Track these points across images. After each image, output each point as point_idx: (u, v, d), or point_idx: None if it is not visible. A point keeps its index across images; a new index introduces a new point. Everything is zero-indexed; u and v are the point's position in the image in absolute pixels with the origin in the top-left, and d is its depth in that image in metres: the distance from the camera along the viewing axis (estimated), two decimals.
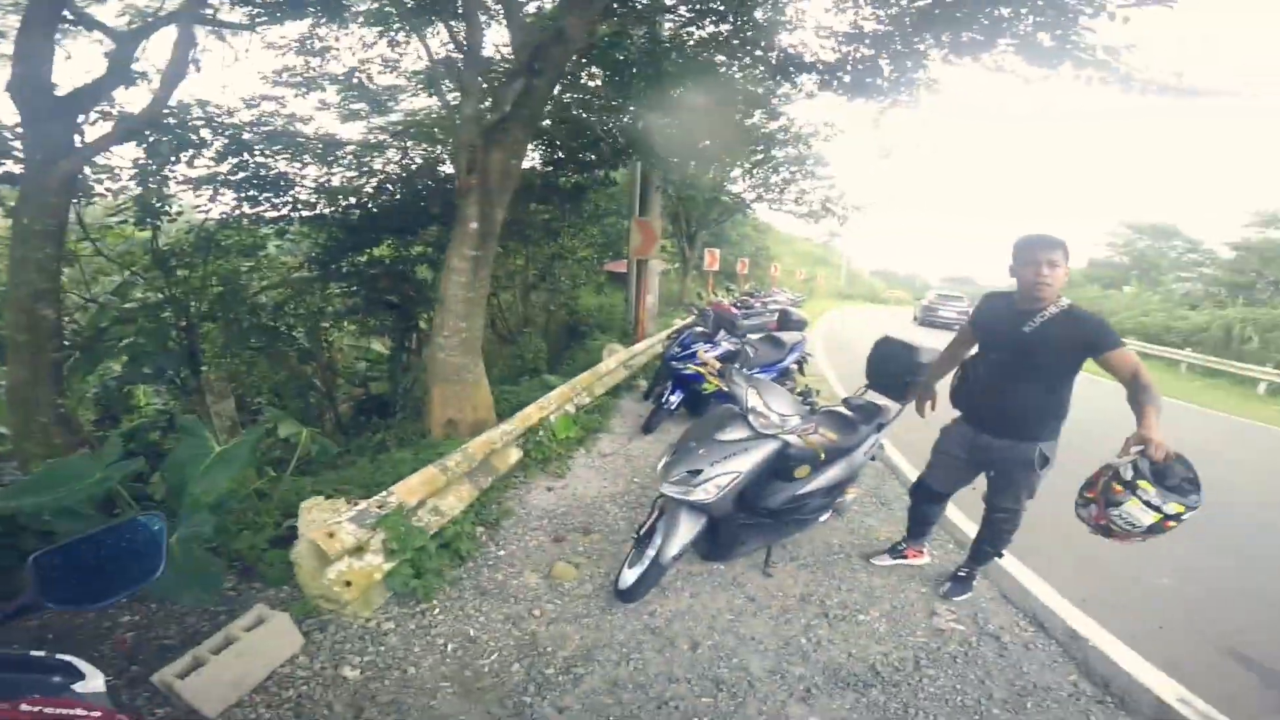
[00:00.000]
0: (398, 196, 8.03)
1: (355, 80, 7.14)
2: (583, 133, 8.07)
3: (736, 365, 3.65)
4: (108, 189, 5.86)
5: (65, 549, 0.80)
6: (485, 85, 5.07)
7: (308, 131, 7.17)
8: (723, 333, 5.86)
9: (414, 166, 8.16)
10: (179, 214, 6.61)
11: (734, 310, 7.44)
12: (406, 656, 2.46)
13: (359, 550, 2.66)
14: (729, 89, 7.49)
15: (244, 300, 7.23)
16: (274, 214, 7.23)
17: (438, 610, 2.77)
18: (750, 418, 2.78)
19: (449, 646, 2.54)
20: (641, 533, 2.94)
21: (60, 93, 4.33)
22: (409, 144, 7.99)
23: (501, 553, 3.32)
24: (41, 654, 0.82)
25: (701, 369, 4.81)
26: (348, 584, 2.58)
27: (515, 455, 4.29)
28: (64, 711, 0.66)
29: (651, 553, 2.78)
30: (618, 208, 12.44)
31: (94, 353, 5.69)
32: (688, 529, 2.75)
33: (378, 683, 2.30)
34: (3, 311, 4.72)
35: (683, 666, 2.47)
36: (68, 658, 0.82)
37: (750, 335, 6.44)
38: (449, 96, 5.81)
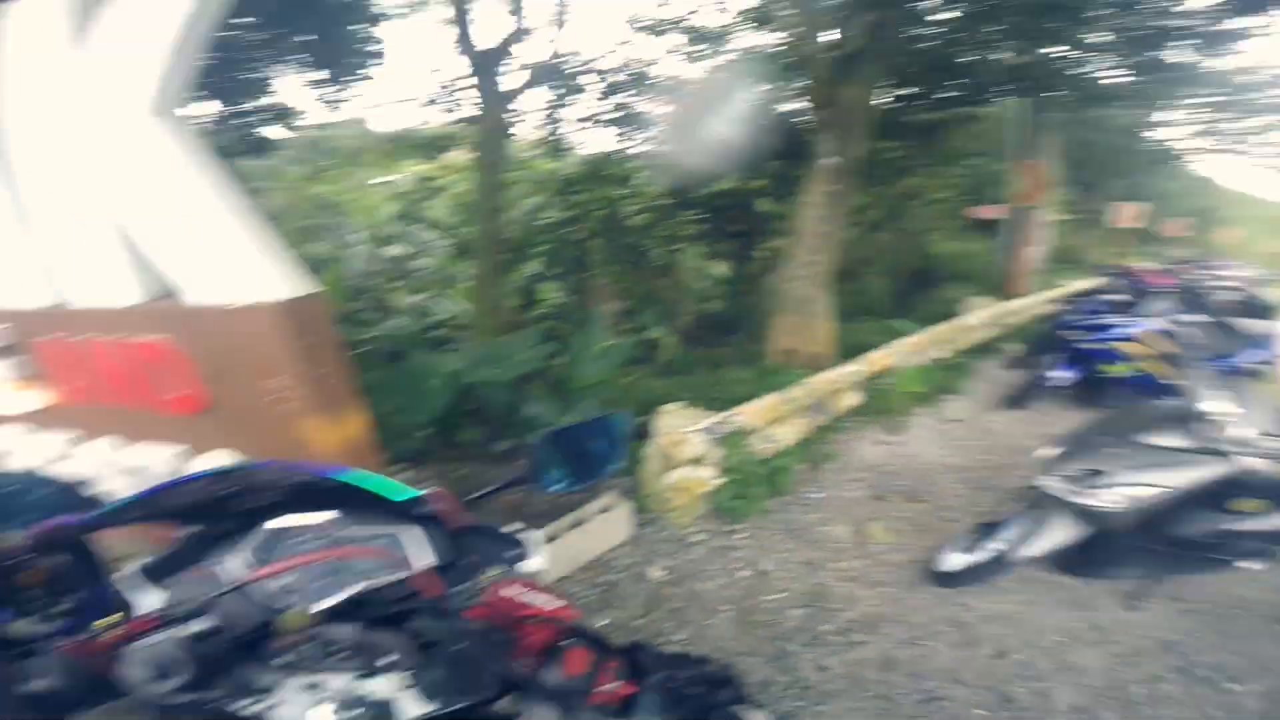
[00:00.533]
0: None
1: (688, 22, 7.30)
2: (943, 65, 6.89)
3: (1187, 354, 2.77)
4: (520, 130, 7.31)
5: (555, 435, 0.90)
6: (832, 18, 4.66)
7: (660, 74, 7.77)
8: (1148, 305, 4.53)
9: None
10: (573, 149, 7.95)
11: (1165, 279, 5.66)
12: (703, 571, 2.60)
13: (697, 461, 2.88)
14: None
15: (619, 222, 8.38)
16: (638, 149, 8.17)
17: (743, 536, 2.85)
18: (1200, 425, 2.10)
19: (742, 574, 2.60)
20: (987, 520, 2.55)
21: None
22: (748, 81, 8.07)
23: (818, 496, 3.26)
24: (504, 529, 0.88)
25: (1129, 347, 3.82)
26: (680, 491, 2.83)
27: (853, 399, 4.13)
28: (532, 599, 0.72)
29: (998, 546, 2.39)
30: (987, 149, 10.48)
31: (521, 256, 7.35)
32: (1061, 533, 2.27)
33: (672, 588, 2.48)
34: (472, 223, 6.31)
35: (974, 671, 2.15)
36: (521, 536, 0.87)
37: (1181, 315, 4.83)
38: (786, 33, 5.53)
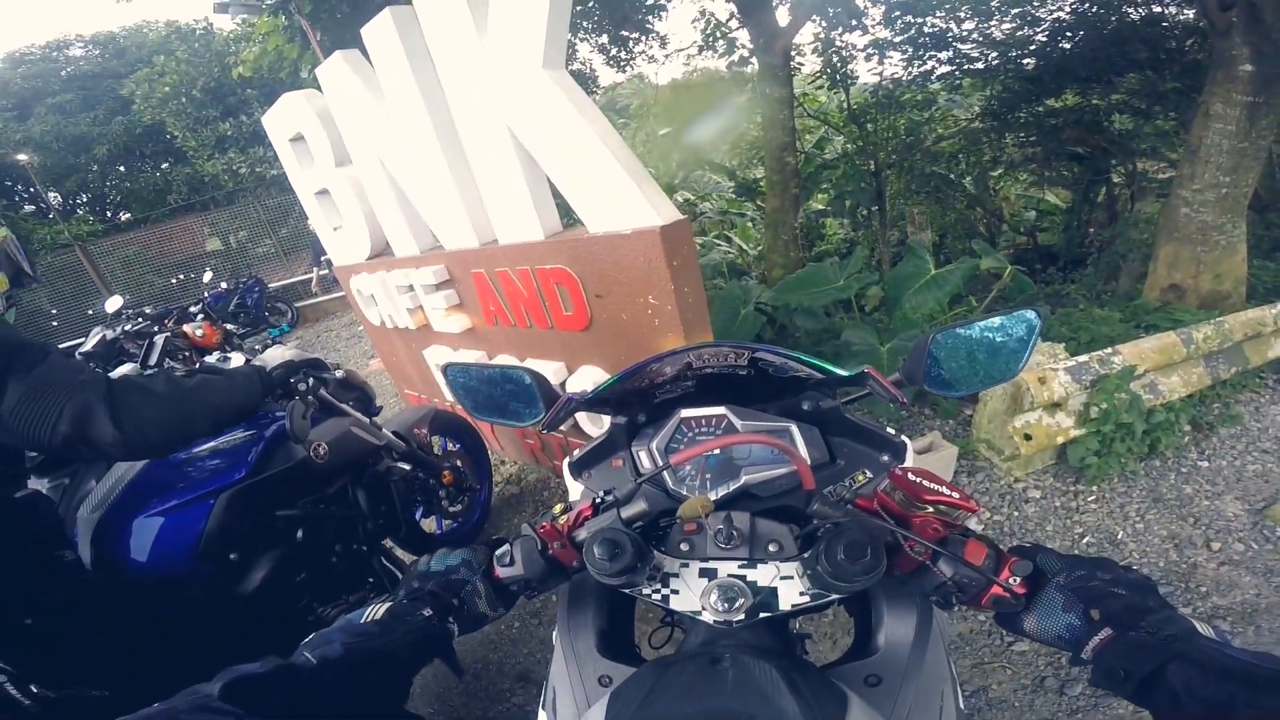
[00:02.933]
0: (1079, 45, 6.57)
1: None
2: None
3: None
4: (800, 62, 6.79)
5: (946, 333, 0.81)
6: None
7: None
8: None
9: (1093, 12, 6.39)
10: (856, 79, 7.22)
11: None
12: (1035, 532, 2.26)
13: (1056, 406, 2.46)
14: None
15: (920, 149, 7.50)
16: (941, 70, 7.15)
17: (1093, 498, 2.43)
18: None
19: (1084, 540, 2.24)
20: None
21: None
22: None
23: (1204, 464, 2.61)
24: (881, 429, 0.87)
25: None
26: (1027, 437, 2.47)
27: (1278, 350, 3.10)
28: (938, 486, 0.65)
29: None
30: None
31: (807, 191, 7.07)
32: None
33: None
34: (763, 160, 6.21)
35: None
36: (899, 440, 0.86)
37: None
38: None
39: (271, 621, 1.55)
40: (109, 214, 16.43)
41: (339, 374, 1.95)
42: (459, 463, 2.50)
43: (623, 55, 9.09)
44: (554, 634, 0.89)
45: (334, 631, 0.67)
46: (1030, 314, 0.78)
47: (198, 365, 1.89)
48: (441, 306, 2.65)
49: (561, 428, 2.47)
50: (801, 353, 0.80)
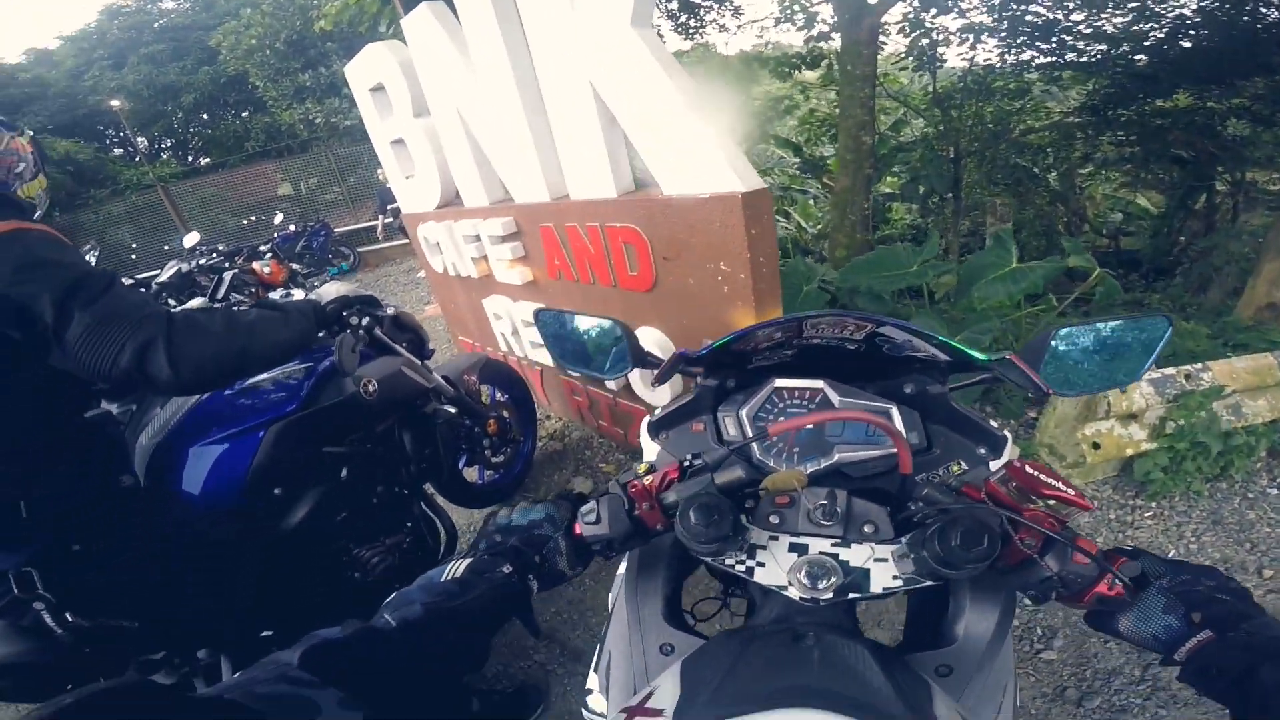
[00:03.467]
0: (1202, 43, 6.03)
1: None
2: None
3: None
4: (881, 41, 6.46)
5: (1071, 331, 0.79)
6: None
7: None
8: None
9: (1223, 10, 5.82)
10: (944, 62, 6.86)
11: None
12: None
13: (1131, 417, 2.35)
14: None
15: (1006, 139, 7.13)
16: (1041, 60, 6.72)
17: (1150, 514, 2.35)
18: None
19: None
20: None
21: None
22: None
23: (1273, 491, 2.47)
24: (985, 421, 0.85)
25: None
26: (1095, 446, 2.37)
27: None
28: (1052, 480, 0.64)
29: None
30: None
31: (878, 173, 6.81)
32: None
33: None
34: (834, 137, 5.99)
35: None
36: (1003, 432, 0.84)
37: None
38: None
39: (309, 561, 1.56)
40: (190, 158, 17.33)
41: (393, 313, 1.96)
42: (505, 413, 2.53)
43: (692, 23, 8.83)
44: (613, 597, 0.89)
45: (414, 591, 0.66)
46: (1162, 321, 0.76)
47: (258, 300, 1.92)
48: (506, 258, 2.69)
49: (611, 384, 2.54)
50: (934, 333, 0.75)
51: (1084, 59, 6.61)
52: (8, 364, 1.02)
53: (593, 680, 0.80)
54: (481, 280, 3.04)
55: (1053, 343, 0.77)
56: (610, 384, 2.55)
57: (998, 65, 6.92)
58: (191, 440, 1.42)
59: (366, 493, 1.72)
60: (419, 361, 1.90)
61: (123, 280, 1.16)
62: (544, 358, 2.94)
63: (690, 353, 0.81)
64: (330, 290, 1.66)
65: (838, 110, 6.21)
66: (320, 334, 1.52)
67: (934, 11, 6.06)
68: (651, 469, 0.75)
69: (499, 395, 2.64)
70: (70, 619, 1.12)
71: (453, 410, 2.01)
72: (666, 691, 0.55)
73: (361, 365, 1.66)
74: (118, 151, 16.95)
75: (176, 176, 13.92)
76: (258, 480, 1.43)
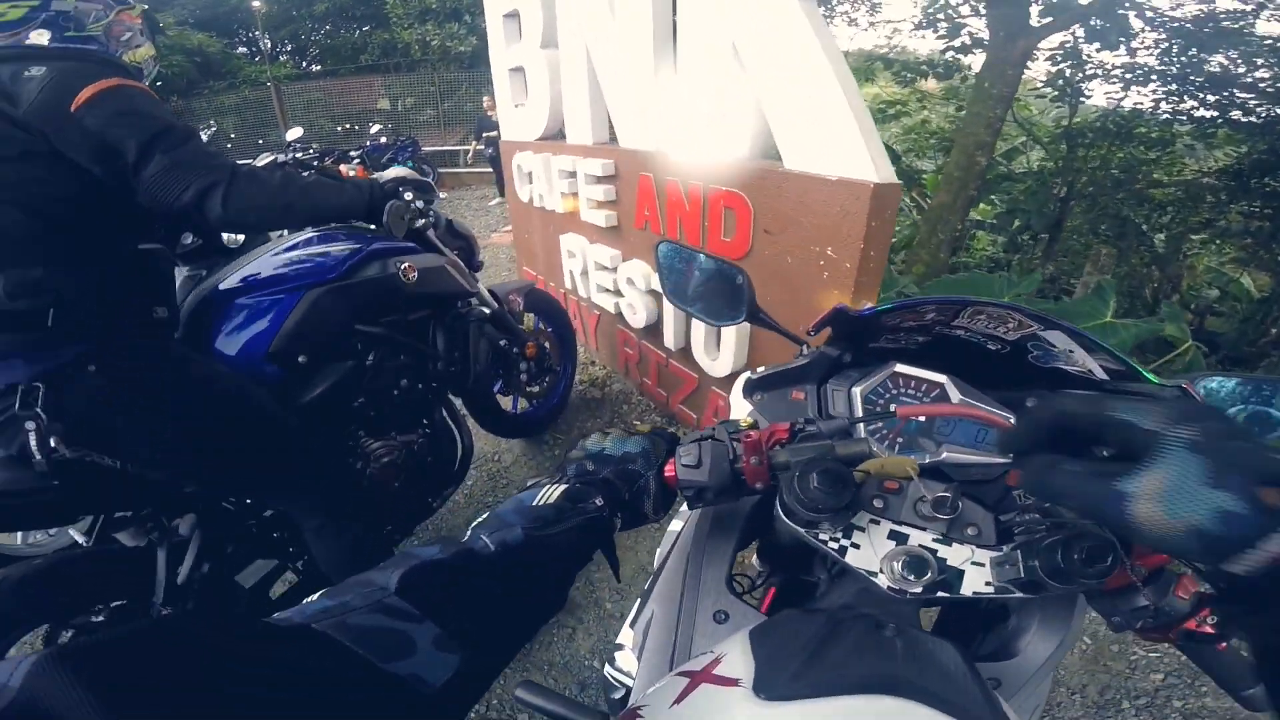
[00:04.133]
0: None
1: None
2: None
3: None
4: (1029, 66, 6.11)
5: (1227, 384, 0.72)
6: None
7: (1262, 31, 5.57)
8: None
9: None
10: (1088, 98, 6.46)
11: None
12: None
13: None
14: None
15: (1127, 189, 6.70)
16: (1200, 112, 6.27)
17: None
18: None
19: None
20: None
21: None
22: None
23: None
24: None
25: None
26: None
27: None
28: None
29: None
30: None
31: (977, 198, 6.55)
32: None
33: None
34: (950, 152, 5.77)
35: None
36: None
37: None
38: None
39: (313, 438, 1.54)
40: (305, 64, 17.75)
41: (448, 219, 1.98)
42: (545, 343, 2.53)
43: (821, 10, 8.51)
44: (662, 552, 0.86)
45: (510, 513, 0.60)
46: None
47: (321, 169, 1.93)
48: (597, 198, 2.70)
49: (669, 344, 2.52)
50: (1113, 349, 0.69)
51: (1250, 118, 6.16)
52: (84, 194, 1.15)
53: (626, 636, 0.78)
54: (565, 216, 3.08)
55: (1199, 385, 0.71)
56: (669, 343, 2.56)
57: (1147, 110, 6.49)
58: (233, 296, 1.46)
59: (389, 383, 1.71)
60: (465, 268, 1.92)
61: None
62: (604, 303, 2.96)
63: (849, 309, 0.75)
64: (391, 173, 1.69)
65: (954, 125, 5.97)
66: (373, 220, 1.58)
67: (1097, 45, 5.70)
68: (755, 425, 0.71)
69: (542, 325, 2.64)
70: (54, 446, 1.14)
71: (488, 311, 2.00)
72: (737, 660, 0.52)
73: (409, 255, 1.70)
74: (242, 50, 17.64)
75: (290, 78, 14.61)
76: (287, 343, 1.45)
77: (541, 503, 0.62)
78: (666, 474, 0.69)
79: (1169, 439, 0.36)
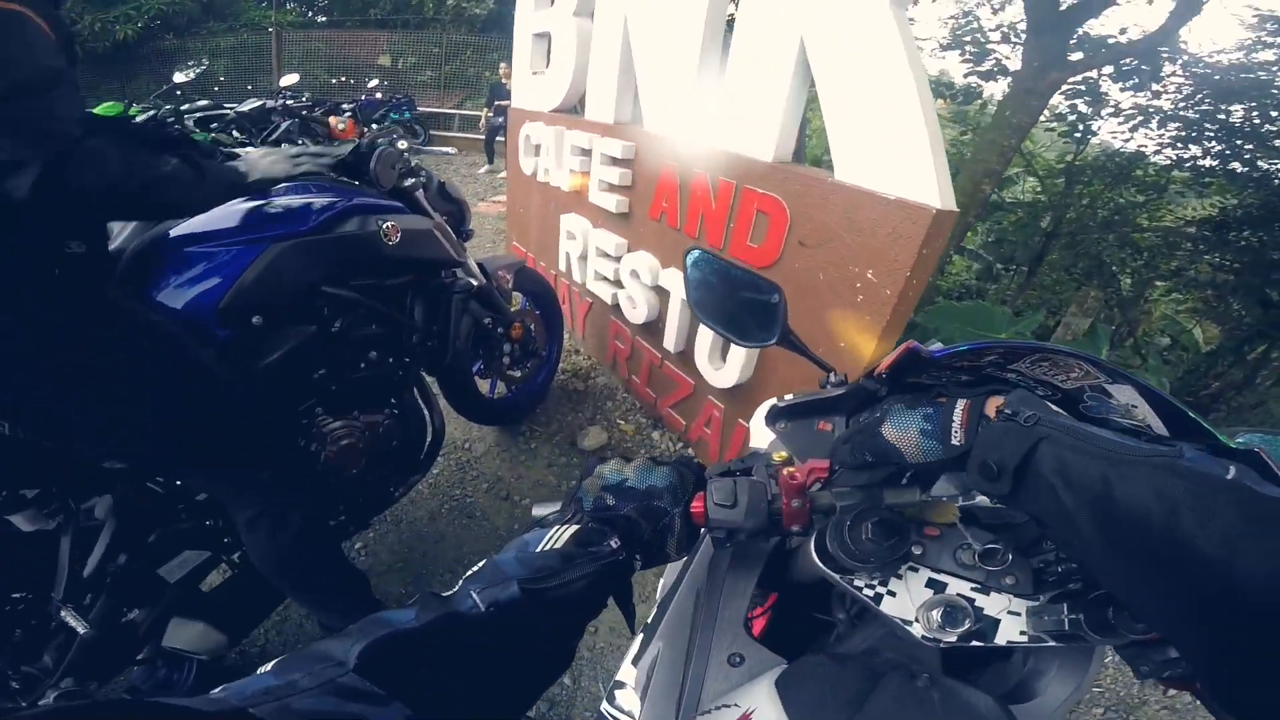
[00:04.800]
0: None
1: None
2: None
3: None
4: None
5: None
6: None
7: None
8: None
9: None
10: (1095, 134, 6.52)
11: None
12: None
13: None
14: None
15: (1115, 231, 6.81)
16: (1203, 161, 6.37)
17: None
18: None
19: None
20: None
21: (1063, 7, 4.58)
22: None
23: None
24: None
25: None
26: None
27: None
28: None
29: None
30: None
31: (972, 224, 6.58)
32: None
33: None
34: (956, 178, 5.79)
35: None
36: None
37: None
38: None
39: (261, 412, 1.35)
40: (311, 13, 17.07)
41: (440, 181, 1.85)
42: (531, 325, 2.40)
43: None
44: (665, 584, 0.82)
45: (509, 561, 0.53)
46: None
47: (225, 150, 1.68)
48: (611, 181, 2.55)
49: (668, 344, 2.38)
50: (1186, 407, 0.63)
51: (1249, 170, 6.27)
52: None
53: (628, 673, 0.73)
54: (570, 195, 2.92)
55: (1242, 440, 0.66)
56: (668, 344, 2.41)
57: (1150, 153, 6.59)
58: (185, 245, 1.24)
59: (356, 354, 1.51)
60: (454, 235, 1.76)
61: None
62: (601, 291, 2.80)
63: (922, 350, 0.69)
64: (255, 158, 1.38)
65: (954, 149, 5.95)
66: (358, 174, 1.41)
67: (1122, 85, 5.74)
68: (792, 461, 0.66)
69: (529, 306, 2.50)
70: None
71: (475, 284, 1.84)
72: (769, 716, 0.50)
73: (394, 215, 1.52)
74: None
75: (293, 25, 14.16)
76: (240, 299, 1.23)
77: (548, 547, 0.55)
78: (694, 510, 0.64)
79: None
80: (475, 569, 0.52)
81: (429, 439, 1.85)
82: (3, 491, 1.10)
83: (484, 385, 2.43)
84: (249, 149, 1.28)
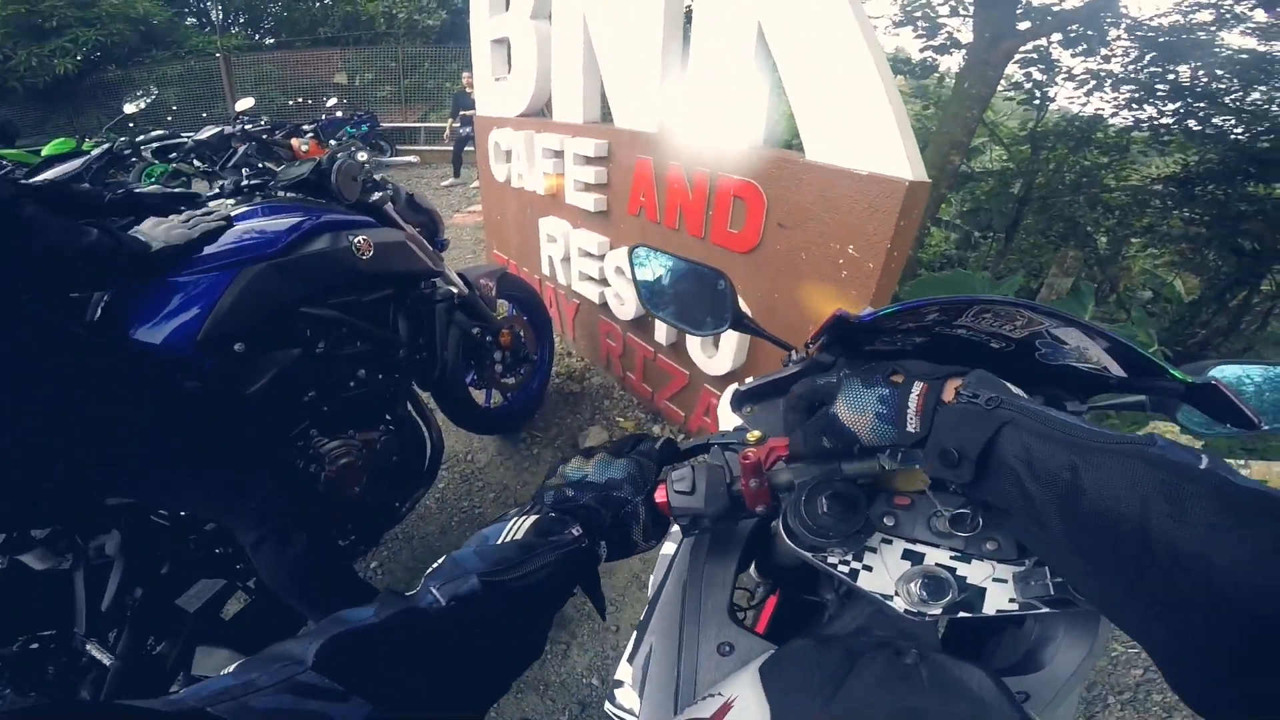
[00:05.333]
0: None
1: None
2: None
3: None
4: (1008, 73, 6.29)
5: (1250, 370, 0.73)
6: None
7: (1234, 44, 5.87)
8: None
9: None
10: (1053, 100, 6.66)
11: None
12: None
13: None
14: None
15: (1084, 193, 6.95)
16: (1159, 120, 6.53)
17: None
18: None
19: None
20: None
21: None
22: None
23: None
24: None
25: None
26: None
27: None
28: None
29: None
30: None
31: (944, 196, 6.68)
32: None
33: None
34: (924, 151, 5.88)
35: None
36: None
37: None
38: None
39: (254, 439, 1.34)
40: (258, 36, 16.80)
41: (408, 193, 1.85)
42: (520, 331, 2.39)
43: None
44: (655, 580, 0.82)
45: (468, 556, 0.53)
46: None
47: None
48: (586, 180, 2.55)
49: (660, 338, 2.40)
50: (1135, 345, 0.63)
51: (1203, 128, 6.41)
52: None
53: (625, 672, 0.73)
54: (546, 198, 2.92)
55: (1214, 373, 0.69)
56: (659, 337, 2.43)
57: (1108, 115, 6.72)
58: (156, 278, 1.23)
59: (344, 373, 1.51)
60: (429, 246, 1.76)
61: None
62: (587, 291, 2.81)
63: (849, 316, 0.68)
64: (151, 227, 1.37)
65: (919, 123, 6.04)
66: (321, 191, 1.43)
67: (1071, 51, 5.85)
68: (762, 439, 0.65)
69: (515, 312, 2.48)
70: None
71: (455, 292, 1.84)
72: (750, 704, 0.49)
73: (365, 230, 1.52)
74: (191, 20, 16.48)
75: (240, 49, 13.89)
76: (218, 328, 1.22)
77: (508, 538, 0.56)
78: (658, 499, 0.64)
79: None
80: (435, 566, 0.52)
81: (429, 452, 1.85)
82: (13, 533, 1.11)
83: (479, 396, 2.43)
84: (144, 222, 1.26)
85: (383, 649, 0.42)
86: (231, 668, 0.37)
